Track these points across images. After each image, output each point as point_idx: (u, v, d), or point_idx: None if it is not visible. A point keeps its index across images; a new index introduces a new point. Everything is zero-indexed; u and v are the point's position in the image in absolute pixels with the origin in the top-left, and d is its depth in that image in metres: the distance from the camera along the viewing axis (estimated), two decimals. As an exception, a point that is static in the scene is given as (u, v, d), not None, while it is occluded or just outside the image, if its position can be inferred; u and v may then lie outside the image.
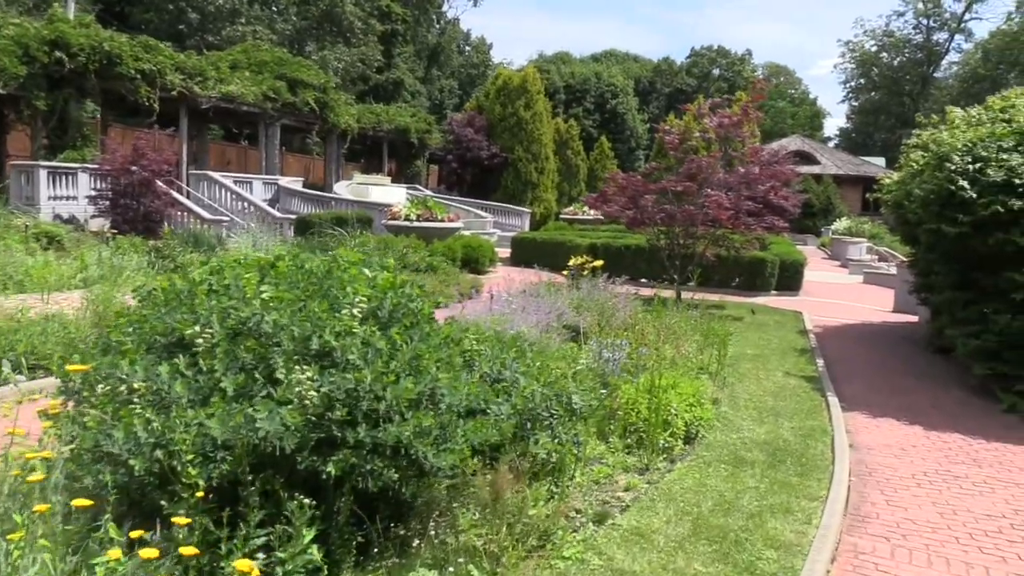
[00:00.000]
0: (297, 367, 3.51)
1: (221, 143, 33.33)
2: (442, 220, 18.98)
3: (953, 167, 8.72)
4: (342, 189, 27.66)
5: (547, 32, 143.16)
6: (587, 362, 7.34)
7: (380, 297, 3.90)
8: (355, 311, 3.76)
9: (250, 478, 3.36)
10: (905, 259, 15.06)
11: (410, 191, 32.47)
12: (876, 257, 28.24)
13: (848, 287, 21.37)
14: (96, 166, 18.33)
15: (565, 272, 15.04)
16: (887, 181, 11.99)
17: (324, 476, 3.42)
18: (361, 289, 3.85)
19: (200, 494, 3.16)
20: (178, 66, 22.59)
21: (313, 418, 3.43)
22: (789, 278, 18.03)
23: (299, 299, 3.92)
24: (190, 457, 3.17)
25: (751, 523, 5.03)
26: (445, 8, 76.14)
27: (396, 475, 3.52)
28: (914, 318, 14.59)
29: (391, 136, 36.31)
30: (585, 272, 15.31)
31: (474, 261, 18.14)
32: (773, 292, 17.90)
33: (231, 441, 3.28)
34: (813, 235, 41.05)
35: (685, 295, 16.42)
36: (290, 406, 3.37)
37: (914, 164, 10.51)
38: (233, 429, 3.27)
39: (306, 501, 3.30)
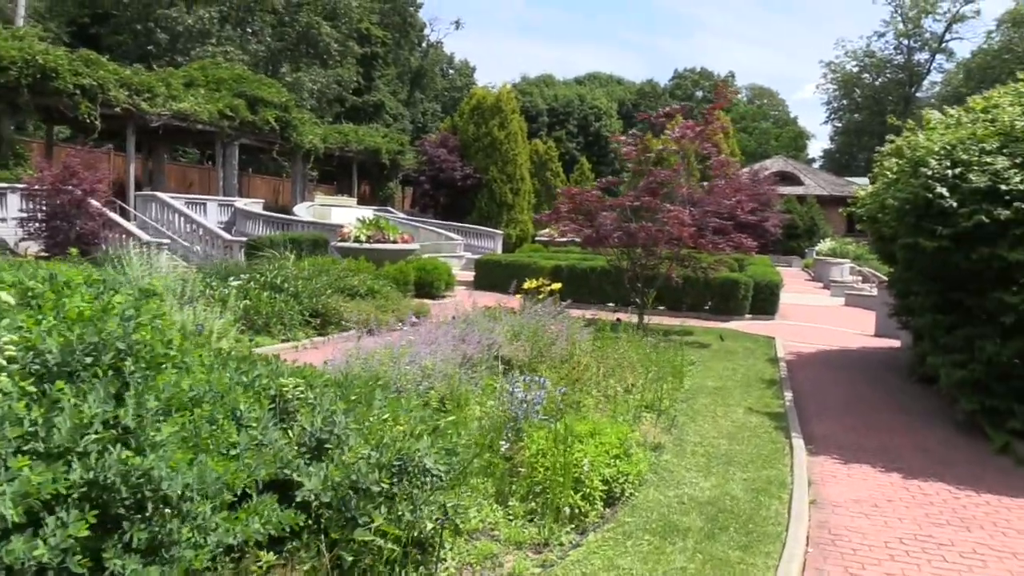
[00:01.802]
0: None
1: (182, 164, 32.15)
2: (394, 241, 17.79)
3: (930, 173, 7.59)
4: (302, 211, 26.48)
5: (531, 56, 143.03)
6: (496, 404, 6.11)
7: (68, 334, 2.67)
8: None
9: None
10: (884, 278, 13.93)
11: (379, 213, 31.31)
12: (859, 278, 27.18)
13: (828, 310, 20.23)
14: (24, 185, 17.09)
15: (518, 296, 13.92)
16: (861, 194, 10.87)
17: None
18: (28, 323, 2.63)
19: None
20: (123, 82, 21.43)
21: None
22: (764, 301, 16.88)
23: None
24: None
25: (665, 627, 3.81)
26: (427, 32, 75.59)
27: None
28: (896, 343, 13.45)
29: (361, 157, 35.19)
30: (541, 296, 14.16)
31: (428, 285, 16.95)
32: (747, 316, 16.74)
33: None
34: (798, 256, 40.09)
35: (652, 320, 15.29)
36: None
37: (888, 173, 9.40)
38: None
39: None
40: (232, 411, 3.80)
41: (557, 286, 14.36)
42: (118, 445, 2.44)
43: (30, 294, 2.90)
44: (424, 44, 75.80)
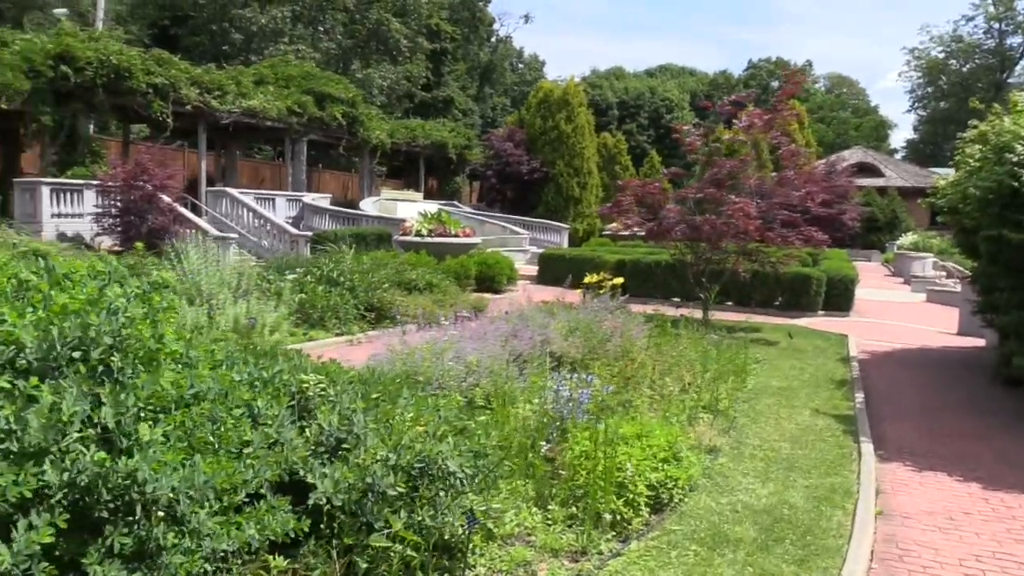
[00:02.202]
0: None
1: (255, 161, 32.77)
2: (456, 235, 17.68)
3: (1016, 159, 7.01)
4: (368, 206, 26.66)
5: (602, 49, 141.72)
6: (540, 403, 5.86)
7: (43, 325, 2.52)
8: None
9: None
10: (968, 273, 13.13)
11: (444, 208, 31.34)
12: (942, 273, 25.91)
13: (908, 306, 19.30)
14: (98, 182, 17.59)
15: (579, 291, 13.63)
16: (941, 184, 10.21)
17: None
18: (11, 316, 2.48)
19: None
20: (193, 80, 21.89)
21: None
22: (838, 296, 16.16)
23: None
24: None
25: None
26: (497, 26, 75.54)
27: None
28: (980, 342, 12.68)
29: (428, 151, 35.29)
30: (603, 290, 13.87)
31: (490, 279, 16.78)
32: (820, 312, 16.05)
33: None
34: (878, 251, 38.60)
35: (717, 316, 14.80)
36: None
37: (970, 161, 8.78)
38: None
39: None
40: (248, 408, 3.66)
41: (619, 280, 14.00)
42: (92, 446, 2.28)
43: (25, 287, 2.78)
44: (493, 39, 75.82)
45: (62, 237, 18.15)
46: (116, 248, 17.46)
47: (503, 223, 30.08)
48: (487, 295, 15.50)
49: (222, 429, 3.10)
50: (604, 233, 33.87)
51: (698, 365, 8.58)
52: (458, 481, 3.68)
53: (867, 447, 6.89)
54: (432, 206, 28.01)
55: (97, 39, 19.82)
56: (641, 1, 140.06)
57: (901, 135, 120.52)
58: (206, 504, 2.75)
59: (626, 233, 26.55)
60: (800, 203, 12.38)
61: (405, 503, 3.54)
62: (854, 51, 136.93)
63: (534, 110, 36.64)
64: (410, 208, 25.54)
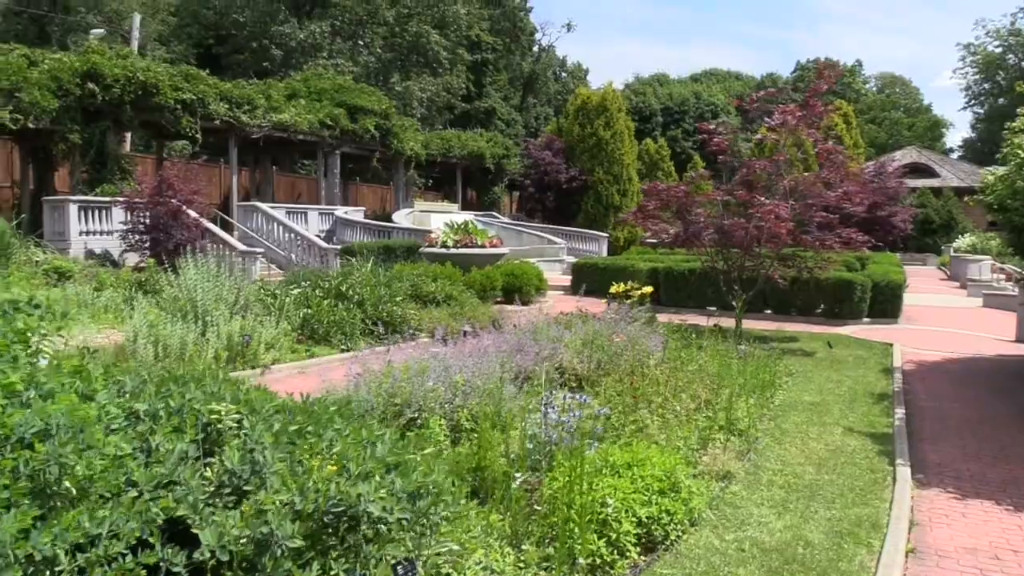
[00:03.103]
0: None
1: (291, 176, 32.78)
2: (482, 246, 17.19)
3: (1069, 145, 6.23)
4: (401, 218, 26.37)
5: (646, 56, 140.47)
6: (521, 428, 5.29)
7: None
8: None
9: None
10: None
11: (482, 218, 30.95)
12: (1001, 276, 24.58)
13: (962, 312, 18.20)
14: (124, 198, 17.53)
15: (604, 301, 13.04)
16: (989, 179, 9.38)
17: None
18: None
19: None
20: (223, 95, 21.85)
21: None
22: (884, 303, 15.22)
23: None
24: None
25: None
26: (539, 36, 75.30)
27: None
28: (1040, 350, 11.72)
29: (465, 162, 34.98)
30: (631, 300, 13.27)
31: (516, 290, 16.22)
32: (865, 320, 15.14)
33: None
34: (933, 254, 37.09)
35: (753, 325, 14.05)
36: None
37: (1020, 152, 7.97)
38: None
39: None
40: (145, 444, 3.19)
41: (648, 290, 13.37)
42: None
43: None
44: (536, 48, 75.60)
45: (90, 254, 18.15)
46: (142, 264, 17.38)
47: (540, 233, 29.57)
48: (512, 307, 14.96)
49: (80, 471, 2.61)
50: (645, 241, 33.09)
51: (719, 380, 7.93)
52: (385, 527, 3.14)
53: (903, 471, 6.17)
54: (465, 216, 27.63)
55: (125, 56, 19.87)
56: (686, 7, 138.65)
57: (958, 135, 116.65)
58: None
59: (669, 240, 25.79)
60: (837, 203, 11.60)
61: (318, 555, 3.02)
62: (906, 50, 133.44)
63: (572, 117, 36.10)
64: (444, 219, 25.16)
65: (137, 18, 29.07)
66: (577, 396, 5.51)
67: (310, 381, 7.71)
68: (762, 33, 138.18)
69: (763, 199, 11.19)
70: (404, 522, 3.24)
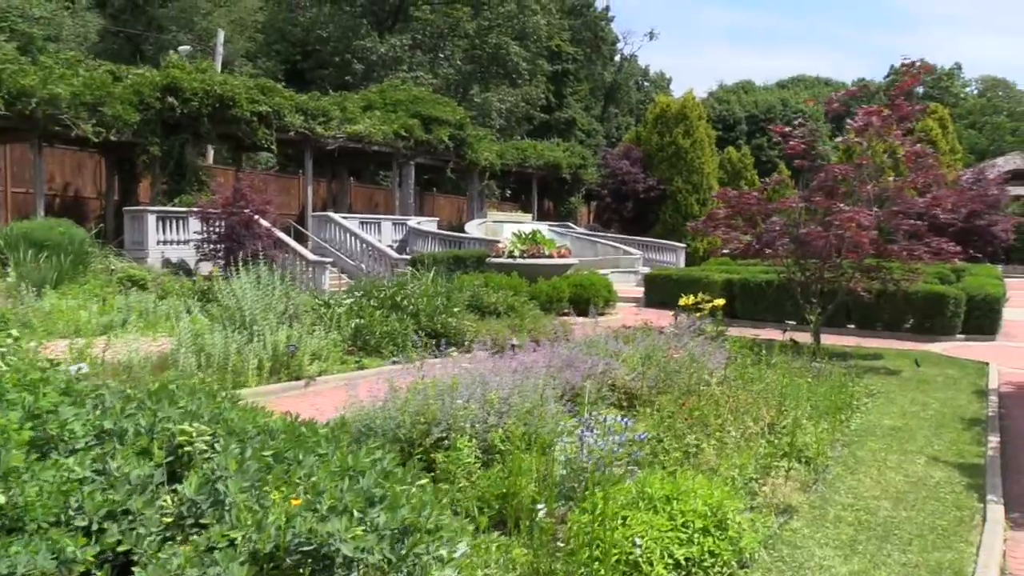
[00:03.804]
0: None
1: (369, 187, 33.13)
2: (550, 255, 16.78)
3: None
4: (473, 228, 26.19)
5: (733, 64, 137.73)
6: (549, 452, 4.83)
7: None
8: None
9: None
10: None
11: (557, 228, 30.56)
12: (1117, 290, 22.69)
13: (1071, 329, 16.74)
14: (198, 209, 17.84)
15: (673, 313, 12.44)
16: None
17: None
18: None
19: None
20: (299, 107, 22.13)
21: None
22: (980, 318, 14.10)
23: None
24: None
25: None
26: (621, 45, 74.67)
27: None
28: None
29: (541, 172, 34.65)
30: (701, 313, 12.64)
31: (584, 301, 15.73)
32: (959, 336, 14.05)
33: None
34: (1042, 266, 34.76)
35: (834, 341, 13.21)
36: None
37: None
38: None
39: None
40: (103, 466, 2.91)
41: (720, 302, 12.70)
42: None
43: None
44: (618, 58, 74.98)
45: (167, 263, 18.54)
46: (221, 274, 17.63)
47: (615, 243, 28.97)
48: (578, 319, 14.47)
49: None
50: (725, 252, 32.11)
51: (786, 400, 7.29)
52: (363, 570, 2.76)
53: (995, 509, 5.44)
54: (536, 226, 27.29)
55: (204, 71, 20.31)
56: (773, 12, 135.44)
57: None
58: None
59: (741, 250, 24.84)
60: (926, 209, 10.73)
61: (281, 601, 2.66)
62: (1012, 51, 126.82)
63: (651, 126, 35.42)
64: (516, 229, 24.89)
65: (221, 34, 29.89)
66: (620, 418, 5.02)
67: (348, 394, 7.44)
68: (856, 37, 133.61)
69: (843, 206, 10.41)
70: (387, 564, 2.85)
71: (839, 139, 12.11)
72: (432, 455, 5.11)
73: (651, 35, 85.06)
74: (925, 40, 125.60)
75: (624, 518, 4.13)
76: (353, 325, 9.67)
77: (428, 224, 26.55)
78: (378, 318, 9.87)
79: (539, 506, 4.08)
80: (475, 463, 5.10)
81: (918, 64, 11.09)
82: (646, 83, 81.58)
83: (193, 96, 19.24)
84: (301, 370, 8.19)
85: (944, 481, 6.14)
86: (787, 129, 11.81)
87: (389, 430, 5.18)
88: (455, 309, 10.93)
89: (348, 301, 10.38)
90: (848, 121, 11.57)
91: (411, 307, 10.34)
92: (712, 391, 7.03)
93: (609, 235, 31.90)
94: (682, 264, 29.48)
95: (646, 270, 26.12)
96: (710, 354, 8.17)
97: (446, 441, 5.15)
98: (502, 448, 5.44)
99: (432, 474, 5.05)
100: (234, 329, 8.32)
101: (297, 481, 2.98)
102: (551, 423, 5.57)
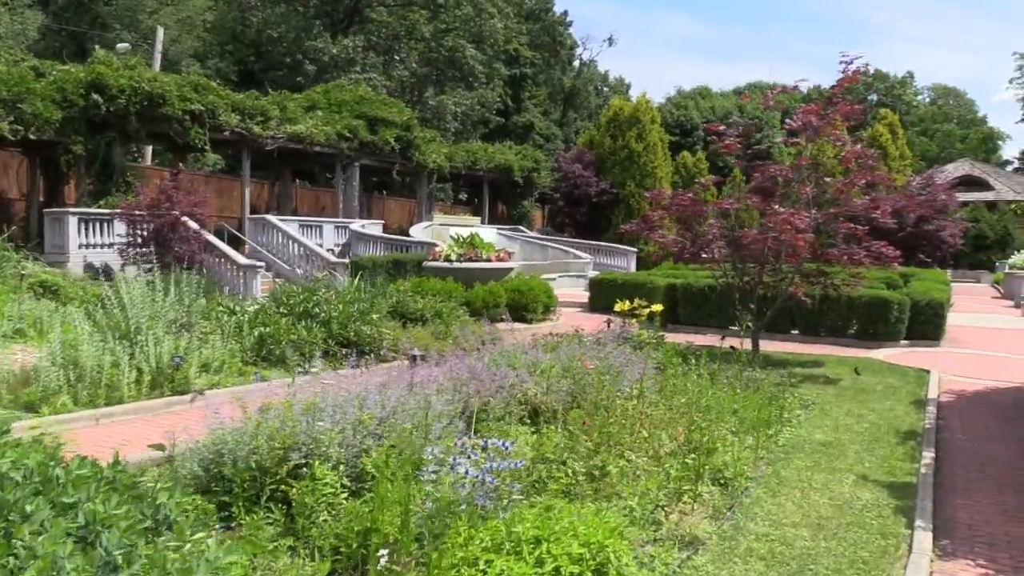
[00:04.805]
0: None
1: (315, 189, 32.25)
2: (488, 260, 16.19)
3: None
4: (418, 232, 25.53)
5: (692, 73, 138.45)
6: (410, 483, 4.23)
7: None
8: None
9: None
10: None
11: (508, 232, 30.03)
12: (1061, 295, 22.76)
13: (1015, 334, 16.57)
14: (121, 210, 16.94)
15: (606, 320, 11.93)
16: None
17: None
18: None
19: None
20: (235, 106, 21.31)
21: None
22: (924, 324, 13.81)
23: None
24: None
25: None
26: (580, 51, 74.69)
27: None
28: (1101, 379, 10.28)
29: (492, 175, 34.09)
30: (638, 319, 12.17)
31: (522, 307, 15.17)
32: (903, 342, 13.74)
33: None
34: (987, 270, 35.04)
35: (776, 348, 12.82)
36: None
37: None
38: None
39: None
40: None
41: (657, 308, 12.24)
42: None
43: None
44: (577, 63, 74.93)
45: (89, 268, 17.63)
46: (146, 279, 16.77)
47: (566, 247, 28.52)
48: (516, 325, 13.87)
49: None
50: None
51: (710, 414, 6.78)
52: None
53: (922, 538, 4.96)
54: (487, 230, 26.72)
55: (132, 67, 19.40)
56: (735, 26, 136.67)
57: (1015, 147, 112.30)
58: None
59: (705, 256, 24.49)
60: (865, 212, 10.34)
61: None
62: (962, 64, 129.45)
63: (604, 129, 35.09)
64: (463, 233, 24.27)
65: (160, 31, 28.90)
66: (497, 442, 4.43)
67: (240, 410, 6.77)
68: (816, 51, 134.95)
69: (779, 208, 9.97)
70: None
71: (779, 140, 11.67)
72: (288, 485, 4.47)
73: (610, 41, 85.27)
74: (881, 53, 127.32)
75: (488, 563, 3.54)
76: (257, 334, 8.97)
77: (373, 227, 25.82)
78: (284, 326, 9.18)
79: (382, 552, 3.47)
80: (339, 493, 4.48)
81: (856, 60, 10.68)
82: (606, 88, 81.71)
83: (120, 93, 18.35)
84: (188, 383, 7.48)
85: (871, 504, 5.65)
86: (721, 128, 11.37)
87: (241, 457, 4.54)
88: (374, 316, 10.27)
89: (252, 308, 9.68)
90: (787, 121, 11.17)
91: (322, 314, 9.66)
92: (630, 404, 6.48)
93: (560, 239, 31.44)
94: (633, 268, 29.11)
95: (595, 274, 25.69)
96: (632, 364, 7.64)
97: (305, 468, 4.52)
98: (376, 476, 4.83)
99: (289, 508, 4.44)
100: (117, 339, 7.60)
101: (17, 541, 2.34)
102: (431, 446, 4.96)
